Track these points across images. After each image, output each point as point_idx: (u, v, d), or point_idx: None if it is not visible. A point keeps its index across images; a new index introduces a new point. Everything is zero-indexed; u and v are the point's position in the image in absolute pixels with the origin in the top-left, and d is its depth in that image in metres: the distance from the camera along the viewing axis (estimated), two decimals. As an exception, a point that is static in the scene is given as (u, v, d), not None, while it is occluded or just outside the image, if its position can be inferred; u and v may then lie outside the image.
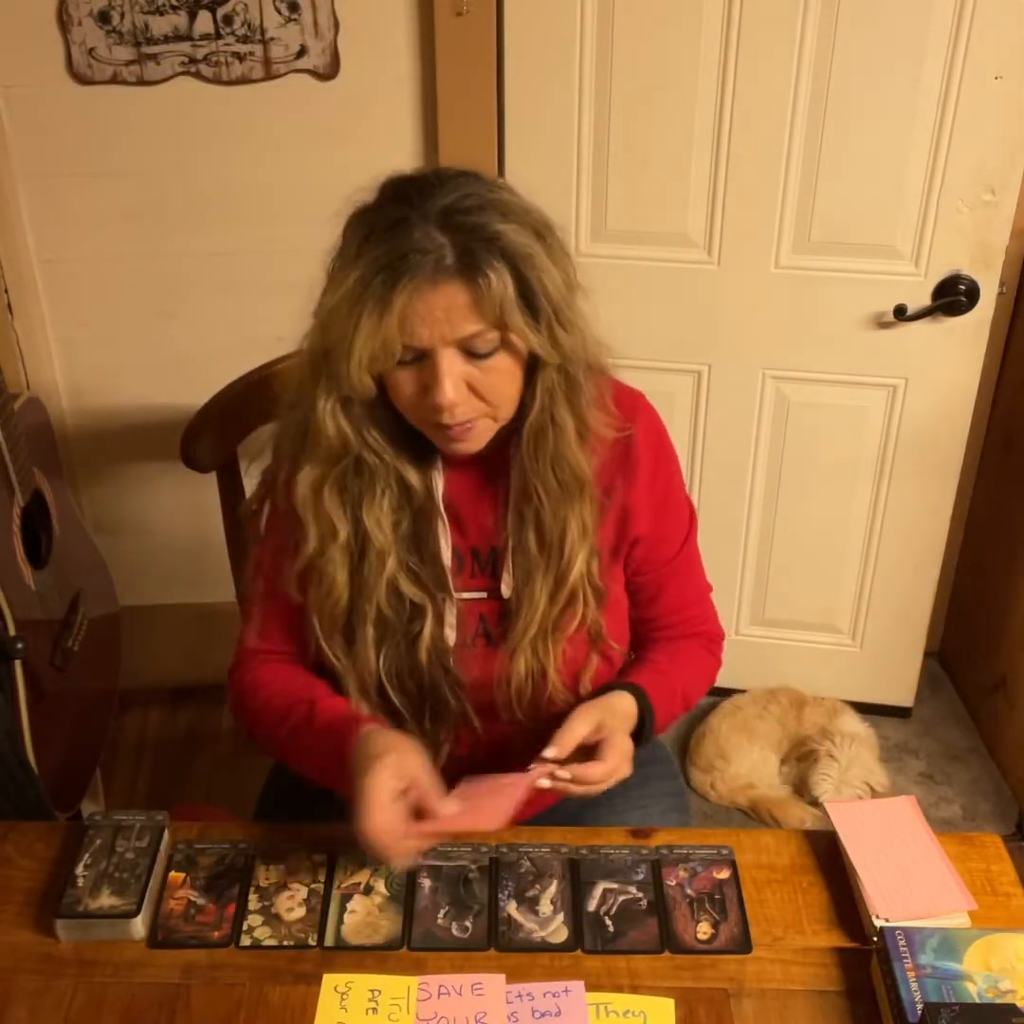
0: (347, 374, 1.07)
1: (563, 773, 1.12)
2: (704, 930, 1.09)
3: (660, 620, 1.34)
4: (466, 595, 1.24)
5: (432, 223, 1.03)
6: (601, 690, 1.24)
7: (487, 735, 1.27)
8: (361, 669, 1.22)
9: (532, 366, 1.11)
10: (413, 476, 1.18)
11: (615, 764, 1.14)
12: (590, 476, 1.18)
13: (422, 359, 1.07)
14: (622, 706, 1.21)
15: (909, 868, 1.12)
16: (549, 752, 1.12)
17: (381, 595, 1.19)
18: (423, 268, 1.02)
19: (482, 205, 1.05)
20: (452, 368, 1.06)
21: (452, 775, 1.28)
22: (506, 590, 1.23)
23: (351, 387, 1.08)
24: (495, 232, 1.04)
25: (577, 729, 1.14)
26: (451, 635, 1.23)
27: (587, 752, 1.15)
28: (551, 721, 1.25)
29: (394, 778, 1.06)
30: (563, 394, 1.13)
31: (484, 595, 1.25)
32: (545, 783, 1.12)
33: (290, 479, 1.19)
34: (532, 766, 1.12)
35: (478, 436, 1.14)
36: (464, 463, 1.21)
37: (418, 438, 1.17)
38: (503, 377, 1.10)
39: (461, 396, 1.08)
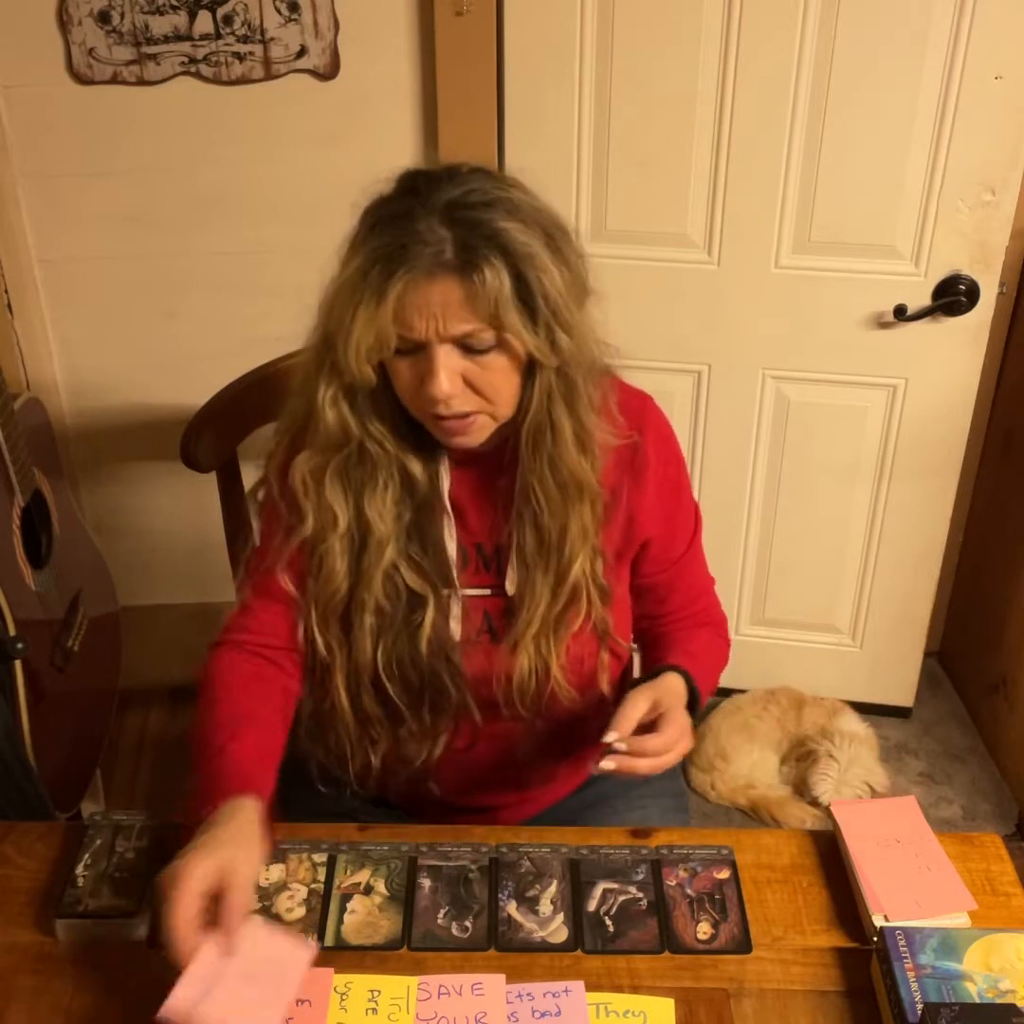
0: (346, 361, 1.08)
1: (622, 745, 1.09)
2: (704, 930, 1.09)
3: (672, 615, 1.35)
4: (470, 591, 1.24)
5: (436, 216, 1.04)
6: (645, 676, 1.23)
7: (487, 729, 1.27)
8: (357, 658, 1.22)
9: (531, 366, 1.11)
10: (416, 468, 1.18)
11: (674, 735, 1.13)
12: (591, 480, 1.18)
13: (420, 350, 1.07)
14: (673, 685, 1.20)
15: (911, 868, 1.12)
16: (610, 736, 1.10)
17: (379, 584, 1.19)
18: (420, 260, 1.02)
19: (489, 201, 1.05)
20: (448, 362, 1.07)
21: (450, 768, 1.28)
22: (510, 587, 1.23)
23: (350, 374, 1.09)
24: (497, 229, 1.04)
25: (635, 709, 1.13)
26: (456, 629, 1.23)
27: (647, 731, 1.13)
28: (552, 717, 1.25)
29: (214, 876, 0.97)
30: (561, 397, 1.13)
31: (488, 592, 1.25)
32: (609, 765, 1.10)
33: (285, 464, 1.19)
34: (601, 759, 1.10)
35: (477, 431, 1.14)
36: (469, 460, 1.21)
37: (422, 431, 1.17)
38: (499, 375, 1.10)
39: (456, 389, 1.08)
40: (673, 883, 1.13)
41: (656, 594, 1.34)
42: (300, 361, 1.19)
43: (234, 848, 1.00)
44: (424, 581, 1.21)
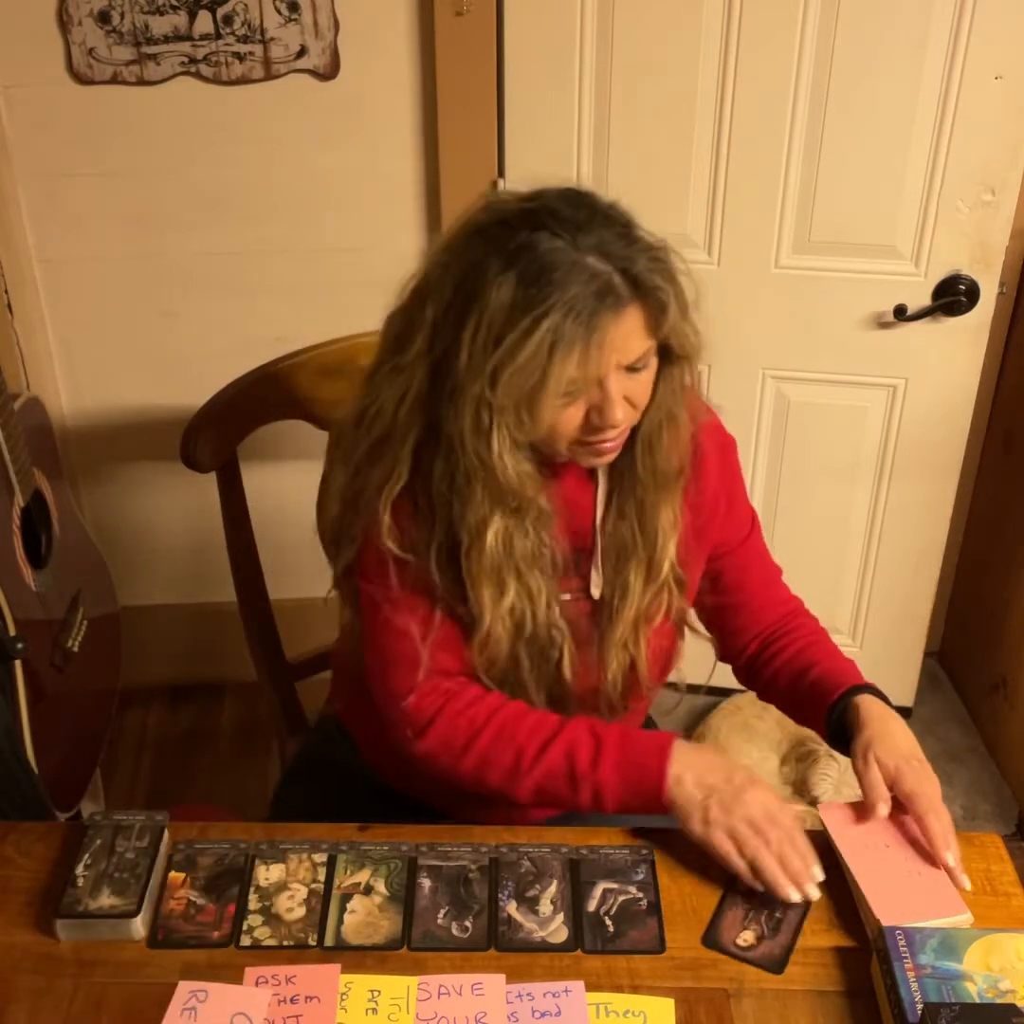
0: (536, 421, 1.06)
1: (951, 861, 1.11)
2: (746, 938, 1.08)
3: (754, 600, 1.36)
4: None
5: (591, 255, 1.03)
6: (831, 710, 1.25)
7: None
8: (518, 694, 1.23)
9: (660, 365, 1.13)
10: (543, 499, 1.16)
11: (931, 796, 1.14)
12: (686, 466, 1.20)
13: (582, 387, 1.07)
14: (890, 730, 1.23)
15: (903, 870, 1.11)
16: (882, 810, 1.14)
17: (546, 630, 1.19)
18: (606, 302, 1.02)
19: (624, 224, 1.07)
20: (620, 389, 1.08)
21: None
22: (595, 591, 1.24)
23: (531, 432, 1.08)
24: (644, 249, 1.06)
25: (878, 786, 1.16)
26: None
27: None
28: (632, 712, 1.27)
29: None
30: (680, 389, 1.16)
31: (568, 597, 1.24)
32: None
33: (413, 539, 1.15)
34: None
35: (622, 441, 1.15)
36: (555, 471, 1.19)
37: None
38: (648, 384, 1.12)
39: (625, 413, 1.09)
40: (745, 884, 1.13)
41: (727, 580, 1.34)
42: (390, 425, 1.12)
43: None
44: (554, 622, 1.20)
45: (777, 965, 1.07)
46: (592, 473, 1.22)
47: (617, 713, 1.27)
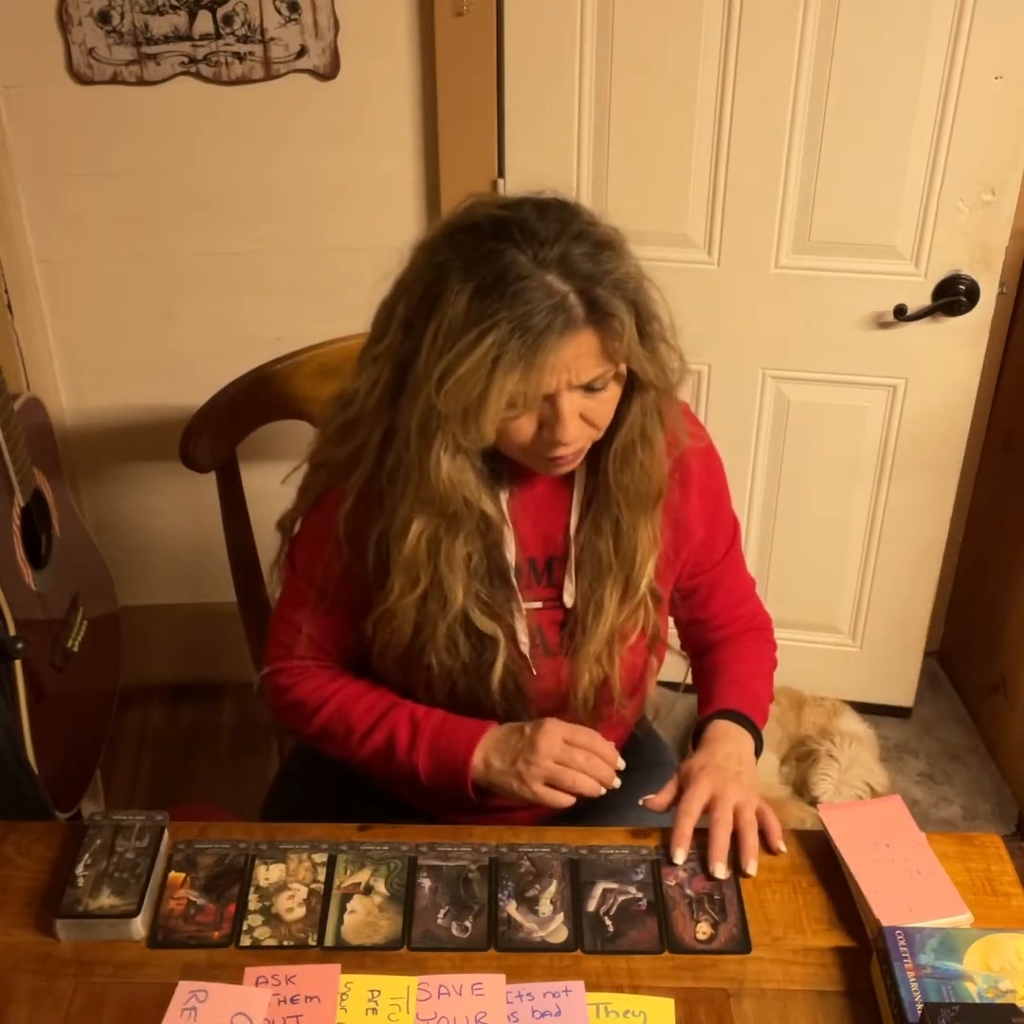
0: (480, 430, 1.06)
1: (721, 873, 1.14)
2: (704, 930, 1.09)
3: (716, 619, 1.38)
4: (525, 605, 1.25)
5: (552, 271, 1.02)
6: (697, 729, 1.28)
7: None
8: (420, 693, 1.26)
9: (629, 385, 1.12)
10: (490, 506, 1.16)
11: (731, 816, 1.17)
12: (665, 487, 1.20)
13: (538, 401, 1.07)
14: (723, 750, 1.23)
15: (903, 870, 1.11)
16: (678, 857, 1.15)
17: (442, 635, 1.20)
18: (556, 322, 1.01)
19: (596, 242, 1.05)
20: (573, 407, 1.07)
21: None
22: (568, 599, 1.24)
23: (476, 441, 1.08)
24: (610, 271, 1.04)
25: (690, 819, 1.17)
26: (525, 645, 1.25)
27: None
28: (603, 722, 1.28)
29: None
30: (656, 412, 1.15)
31: (539, 605, 1.25)
32: (721, 873, 1.14)
33: (359, 518, 1.18)
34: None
35: (580, 456, 1.15)
36: (529, 477, 1.20)
37: (490, 462, 1.16)
38: (610, 404, 1.11)
39: (579, 430, 1.09)
40: (673, 883, 1.13)
41: (698, 597, 1.36)
42: (360, 410, 1.15)
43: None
44: (493, 620, 1.21)
45: (743, 945, 1.07)
46: (567, 480, 1.22)
47: (590, 724, 1.26)
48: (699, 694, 1.38)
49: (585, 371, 1.05)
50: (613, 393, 1.10)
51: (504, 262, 1.01)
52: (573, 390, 1.06)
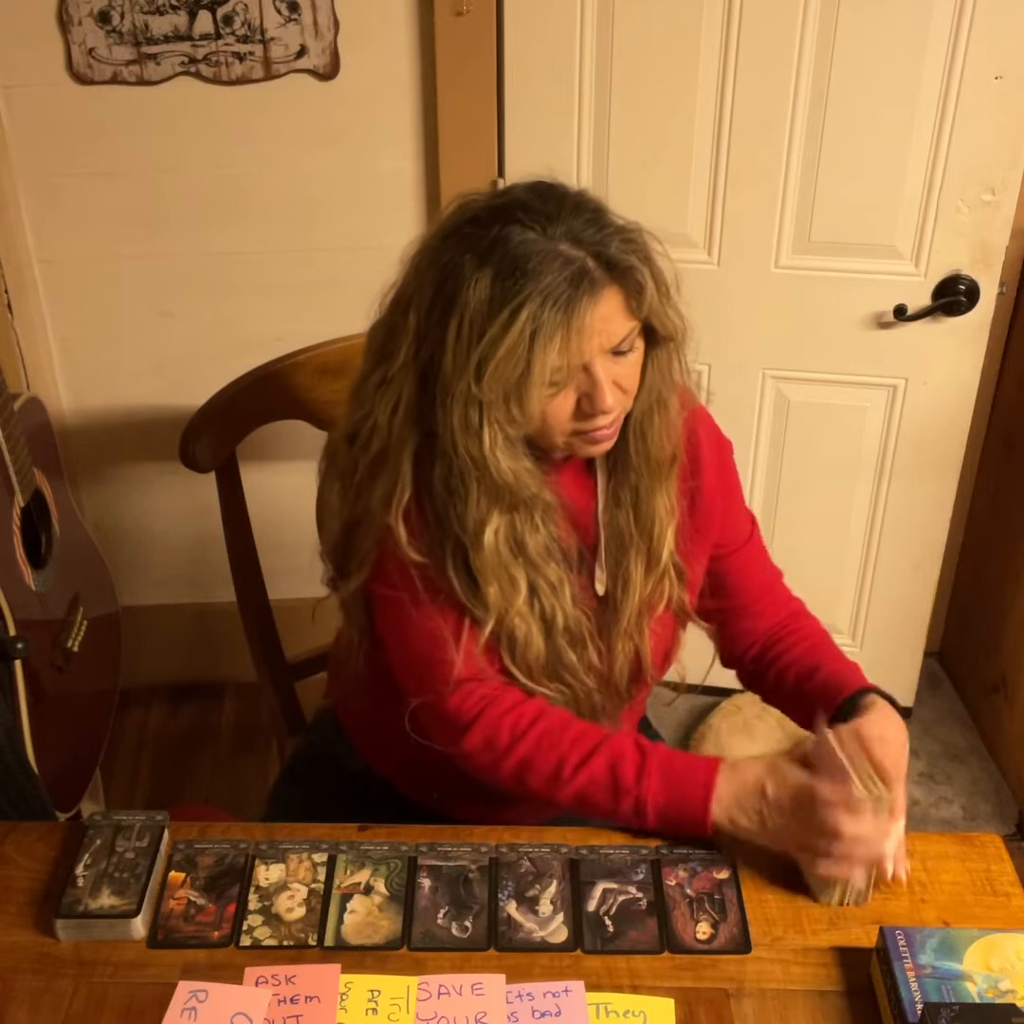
0: (526, 413, 1.06)
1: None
2: (704, 930, 1.09)
3: (756, 603, 1.36)
4: None
5: (563, 242, 1.03)
6: (839, 711, 1.23)
7: None
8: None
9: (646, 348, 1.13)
10: (548, 492, 1.15)
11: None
12: (680, 450, 1.21)
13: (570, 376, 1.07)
14: (886, 720, 1.20)
15: None
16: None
17: (571, 623, 1.18)
18: (582, 285, 1.02)
19: (594, 210, 1.07)
20: (608, 373, 1.08)
21: None
22: (600, 587, 1.24)
23: (523, 425, 1.08)
24: (616, 232, 1.06)
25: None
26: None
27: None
28: (636, 699, 1.28)
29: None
30: (668, 371, 1.16)
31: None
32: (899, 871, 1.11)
33: (433, 543, 1.14)
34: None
35: (616, 428, 1.15)
36: (556, 467, 1.20)
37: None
38: (637, 366, 1.12)
39: (616, 398, 1.09)
40: (673, 883, 1.13)
41: (731, 580, 1.35)
42: (386, 439, 1.11)
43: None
44: (580, 613, 1.20)
45: (743, 945, 1.07)
46: (590, 469, 1.22)
47: (624, 702, 1.27)
48: (799, 680, 1.33)
49: (616, 332, 1.06)
50: (638, 356, 1.11)
51: (516, 241, 1.03)
52: (606, 356, 1.07)
